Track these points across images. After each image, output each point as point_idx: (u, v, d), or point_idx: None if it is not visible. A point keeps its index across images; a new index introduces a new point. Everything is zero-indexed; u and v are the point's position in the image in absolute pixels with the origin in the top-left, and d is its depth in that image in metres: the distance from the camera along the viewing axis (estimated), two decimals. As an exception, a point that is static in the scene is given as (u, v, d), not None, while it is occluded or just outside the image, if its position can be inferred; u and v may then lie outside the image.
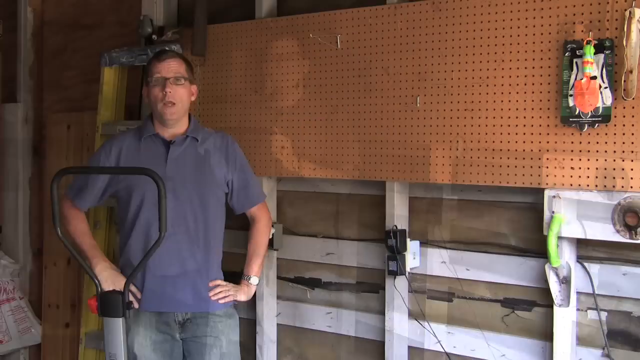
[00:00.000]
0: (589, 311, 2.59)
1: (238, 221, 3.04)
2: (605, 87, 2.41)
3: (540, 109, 2.57)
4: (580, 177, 2.49)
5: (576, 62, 2.47)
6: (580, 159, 2.49)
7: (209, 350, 2.78)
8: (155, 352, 2.74)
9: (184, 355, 2.82)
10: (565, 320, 2.58)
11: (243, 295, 2.87)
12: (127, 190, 2.76)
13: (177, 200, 2.69)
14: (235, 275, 2.91)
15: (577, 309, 2.60)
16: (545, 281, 2.62)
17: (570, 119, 2.50)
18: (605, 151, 2.44)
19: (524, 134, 2.60)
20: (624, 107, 2.40)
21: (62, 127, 4.30)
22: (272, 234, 3.25)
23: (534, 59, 2.58)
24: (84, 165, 2.72)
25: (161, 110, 2.73)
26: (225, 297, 2.82)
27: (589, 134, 2.47)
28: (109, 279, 2.67)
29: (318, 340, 3.28)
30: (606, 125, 2.43)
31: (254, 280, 2.91)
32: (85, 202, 2.86)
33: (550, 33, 2.54)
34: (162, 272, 2.72)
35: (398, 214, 2.95)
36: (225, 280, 2.88)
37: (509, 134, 2.63)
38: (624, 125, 2.40)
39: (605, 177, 2.45)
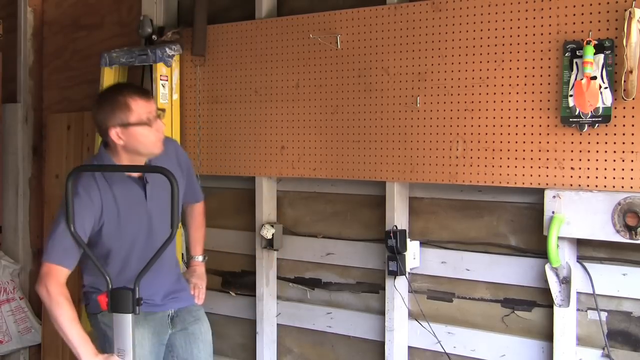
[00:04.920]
0: (589, 311, 2.59)
1: (240, 221, 3.03)
2: (605, 87, 2.41)
3: (540, 109, 2.57)
4: (580, 177, 2.49)
5: (576, 62, 2.47)
6: (580, 159, 2.49)
7: (195, 340, 2.77)
8: (151, 355, 2.68)
9: (167, 350, 2.76)
10: (565, 320, 2.58)
11: (204, 281, 2.94)
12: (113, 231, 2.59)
13: (155, 236, 2.60)
14: (235, 275, 2.91)
15: (577, 309, 2.60)
16: (545, 281, 2.62)
17: (570, 119, 2.50)
18: (605, 151, 2.44)
19: (524, 134, 2.60)
20: (624, 107, 2.40)
21: (62, 127, 4.30)
22: (272, 234, 3.25)
23: (534, 59, 2.58)
24: (99, 164, 2.68)
25: (159, 145, 2.59)
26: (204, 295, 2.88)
27: (589, 134, 2.47)
28: None
29: (318, 340, 3.28)
30: (606, 126, 2.43)
31: (203, 258, 2.98)
32: (73, 260, 2.59)
33: (550, 33, 2.54)
34: (148, 299, 2.56)
35: (398, 214, 2.95)
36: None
37: (509, 134, 2.63)
38: (624, 125, 2.40)
39: (605, 178, 2.45)
